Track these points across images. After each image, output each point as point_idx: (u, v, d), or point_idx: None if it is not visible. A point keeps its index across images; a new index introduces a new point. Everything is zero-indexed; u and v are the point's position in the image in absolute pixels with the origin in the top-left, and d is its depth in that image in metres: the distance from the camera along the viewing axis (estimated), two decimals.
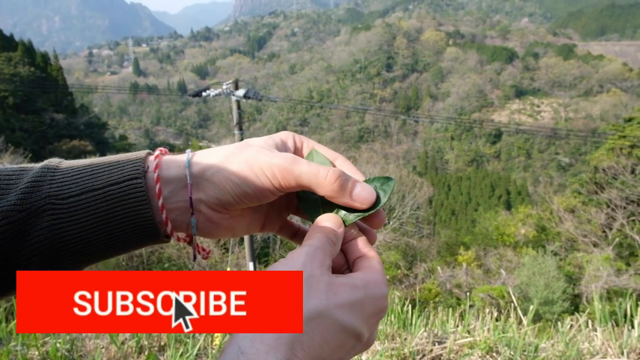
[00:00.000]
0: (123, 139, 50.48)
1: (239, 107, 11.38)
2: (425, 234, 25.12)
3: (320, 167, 0.50)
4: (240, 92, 11.12)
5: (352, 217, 0.54)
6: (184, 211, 0.52)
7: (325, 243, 0.49)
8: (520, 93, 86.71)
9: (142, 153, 0.54)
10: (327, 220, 0.52)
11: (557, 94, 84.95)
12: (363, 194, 0.52)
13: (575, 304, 13.56)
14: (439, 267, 15.32)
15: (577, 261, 15.19)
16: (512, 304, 2.39)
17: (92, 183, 0.50)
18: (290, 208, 0.60)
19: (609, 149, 19.46)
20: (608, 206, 17.01)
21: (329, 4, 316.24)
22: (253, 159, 0.51)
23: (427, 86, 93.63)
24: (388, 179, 0.56)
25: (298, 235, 0.61)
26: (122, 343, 2.00)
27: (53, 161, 0.52)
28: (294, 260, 0.46)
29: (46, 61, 46.44)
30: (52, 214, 0.48)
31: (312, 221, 0.54)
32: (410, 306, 2.27)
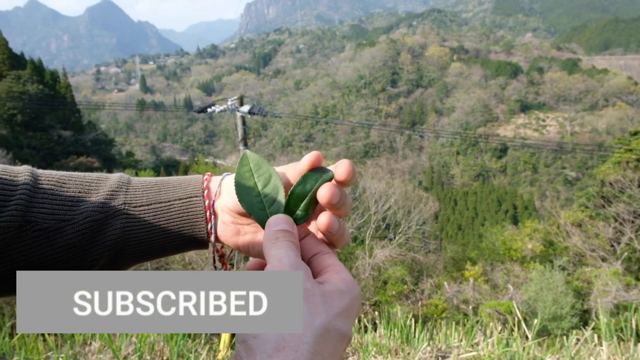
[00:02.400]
0: (130, 156, 50.77)
1: (244, 123, 11.44)
2: (431, 249, 24.98)
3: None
4: (245, 108, 11.20)
5: (302, 215, 0.54)
6: (220, 228, 0.62)
7: (293, 248, 0.51)
8: (525, 107, 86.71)
9: (198, 177, 0.64)
10: (281, 223, 0.53)
11: (562, 108, 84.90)
12: (307, 157, 0.56)
13: (584, 320, 13.38)
14: (445, 283, 15.21)
15: (585, 276, 15.03)
16: (517, 318, 2.37)
17: (159, 197, 0.60)
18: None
19: (616, 162, 19.37)
20: (616, 220, 16.87)
21: (333, 21, 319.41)
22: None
23: (432, 101, 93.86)
24: (325, 169, 0.55)
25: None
26: (125, 358, 2.00)
27: (124, 176, 0.63)
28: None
29: (55, 79, 47.00)
30: (125, 218, 0.58)
31: (256, 220, 0.55)
32: (413, 320, 2.26)
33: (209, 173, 0.64)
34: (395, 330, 2.25)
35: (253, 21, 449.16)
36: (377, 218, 19.93)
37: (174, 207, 0.60)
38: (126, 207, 0.59)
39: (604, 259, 15.95)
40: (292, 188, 0.54)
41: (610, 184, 17.97)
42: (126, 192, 0.60)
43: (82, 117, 46.56)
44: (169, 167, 43.08)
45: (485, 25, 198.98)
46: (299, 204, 0.54)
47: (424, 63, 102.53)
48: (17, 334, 2.16)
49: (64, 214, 0.56)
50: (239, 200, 0.55)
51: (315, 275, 0.51)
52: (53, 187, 0.57)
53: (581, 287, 14.68)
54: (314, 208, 0.55)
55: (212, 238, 0.62)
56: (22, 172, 0.57)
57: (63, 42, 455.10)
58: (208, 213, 0.61)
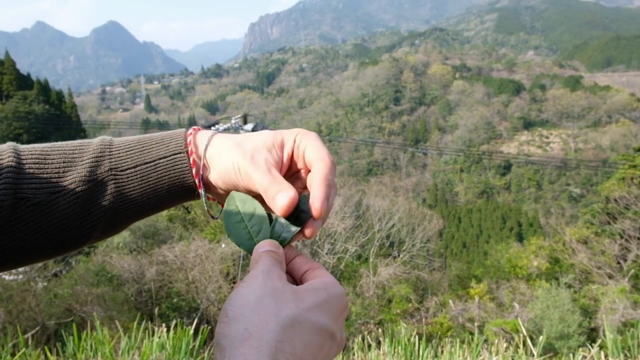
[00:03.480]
0: None
1: None
2: (436, 267, 24.83)
3: (267, 182, 0.57)
4: (249, 126, 11.27)
5: (287, 235, 0.57)
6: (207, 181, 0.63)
7: (274, 262, 0.53)
8: (528, 124, 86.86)
9: (180, 131, 0.64)
10: (266, 245, 0.55)
11: (565, 125, 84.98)
12: (278, 199, 0.56)
13: (592, 338, 13.21)
14: (450, 301, 15.07)
15: (592, 294, 14.88)
16: (522, 335, 2.35)
17: (143, 157, 0.61)
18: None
19: (620, 178, 19.31)
20: (622, 237, 16.75)
21: (336, 40, 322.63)
22: (239, 157, 0.59)
23: (435, 119, 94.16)
24: (307, 197, 0.58)
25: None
26: None
27: (106, 138, 0.63)
28: (253, 279, 0.50)
29: (61, 99, 47.50)
30: (114, 183, 0.59)
31: (246, 250, 0.58)
32: (417, 338, 2.24)
33: (194, 127, 0.65)
34: (399, 347, 2.23)
35: (257, 41, 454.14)
36: (381, 236, 19.87)
37: (160, 166, 0.61)
38: (113, 173, 0.59)
39: (610, 276, 15.79)
40: (274, 215, 0.58)
41: (615, 200, 17.88)
42: (110, 156, 0.60)
43: (87, 136, 46.86)
44: None
45: (487, 43, 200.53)
46: (283, 227, 0.58)
47: (426, 81, 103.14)
48: (19, 352, 2.15)
49: (53, 187, 0.57)
50: (229, 235, 0.59)
51: None
52: (37, 160, 0.58)
53: (588, 305, 14.52)
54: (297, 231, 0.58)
55: (200, 192, 0.62)
56: (5, 149, 0.58)
57: (69, 62, 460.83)
58: (194, 170, 0.61)
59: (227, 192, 0.62)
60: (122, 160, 0.60)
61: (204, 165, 0.61)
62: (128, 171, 0.60)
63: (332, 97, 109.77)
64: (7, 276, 10.74)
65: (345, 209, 18.45)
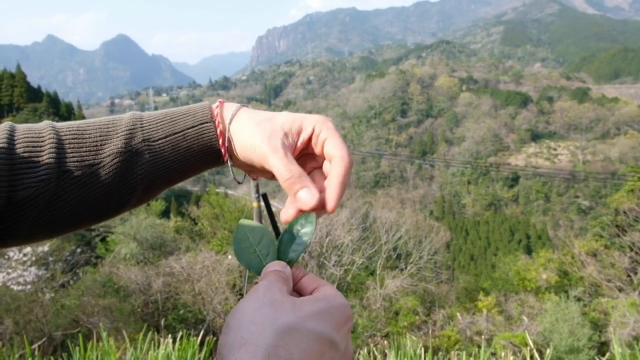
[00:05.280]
0: None
1: None
2: (443, 280, 24.65)
3: (285, 169, 0.60)
4: None
5: (294, 255, 0.60)
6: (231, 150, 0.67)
7: (278, 278, 0.55)
8: (536, 136, 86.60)
9: (205, 104, 0.69)
10: (273, 266, 0.58)
11: (573, 137, 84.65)
12: (304, 197, 0.60)
13: (602, 352, 13.03)
14: (458, 314, 14.95)
15: (602, 307, 14.70)
16: (529, 347, 2.33)
17: (173, 128, 0.65)
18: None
19: (629, 190, 19.16)
20: (631, 249, 16.58)
21: (343, 53, 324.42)
22: (257, 137, 0.63)
23: (442, 131, 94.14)
24: (308, 214, 0.61)
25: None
26: None
27: (136, 113, 0.67)
28: (253, 293, 0.51)
29: (70, 111, 47.99)
30: (148, 152, 0.64)
31: (256, 272, 0.60)
32: (423, 350, 2.23)
33: (220, 100, 0.70)
34: (405, 359, 2.22)
35: (264, 53, 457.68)
36: (388, 248, 19.78)
37: (188, 136, 0.65)
38: (146, 143, 0.64)
39: (620, 290, 15.61)
40: (280, 236, 0.62)
41: (625, 212, 17.74)
42: (142, 128, 0.64)
43: None
44: (181, 197, 43.30)
45: (494, 55, 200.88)
46: (289, 248, 0.60)
47: (433, 93, 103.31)
48: None
49: (93, 159, 0.61)
50: (239, 260, 0.62)
51: None
52: (75, 136, 0.62)
53: (598, 319, 14.34)
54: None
55: (227, 162, 0.66)
56: (44, 128, 0.62)
57: (79, 75, 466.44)
58: (221, 140, 0.65)
59: (247, 164, 0.66)
60: (153, 131, 0.65)
61: (228, 138, 0.65)
62: (160, 141, 0.64)
63: (339, 110, 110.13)
64: (15, 287, 10.80)
65: (352, 221, 18.40)
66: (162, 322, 10.04)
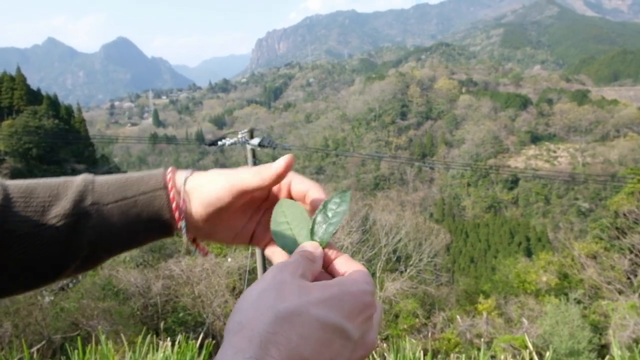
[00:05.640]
0: None
1: (254, 156, 11.54)
2: (443, 282, 24.66)
3: (264, 166, 0.61)
4: (255, 140, 11.31)
5: (326, 236, 0.59)
6: (187, 217, 0.64)
7: (300, 259, 0.53)
8: (535, 139, 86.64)
9: (160, 170, 0.67)
10: (304, 246, 0.57)
11: (573, 139, 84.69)
12: (278, 164, 0.60)
13: (602, 355, 13.01)
14: (458, 316, 14.93)
15: (602, 309, 14.69)
16: (528, 350, 2.33)
17: (124, 193, 0.63)
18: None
19: (629, 193, 19.16)
20: (631, 252, 16.58)
21: (343, 55, 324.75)
22: (227, 175, 0.63)
23: (442, 133, 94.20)
24: (344, 192, 0.61)
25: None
26: None
27: (90, 176, 0.65)
28: (265, 274, 0.51)
29: (70, 114, 47.99)
30: (96, 216, 0.62)
31: (290, 252, 0.59)
32: (422, 353, 2.23)
33: (172, 167, 0.68)
34: None
35: (264, 56, 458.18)
36: (388, 250, 19.78)
37: (139, 202, 0.63)
38: (95, 207, 0.62)
39: (620, 292, 15.60)
40: (313, 216, 0.60)
41: (624, 214, 17.74)
42: (93, 191, 0.62)
43: (95, 150, 47.35)
44: None
45: (494, 58, 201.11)
46: (321, 228, 0.59)
47: (433, 95, 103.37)
48: None
49: (38, 220, 0.60)
50: (274, 239, 0.62)
51: None
52: (24, 195, 0.61)
53: (598, 321, 14.34)
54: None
55: (181, 224, 0.64)
56: None
57: (79, 78, 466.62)
58: (174, 204, 0.63)
59: (209, 224, 0.64)
60: (104, 195, 0.63)
61: (184, 199, 0.63)
62: (109, 205, 0.62)
63: (339, 112, 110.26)
64: None
65: (352, 224, 18.40)
66: (162, 325, 10.03)
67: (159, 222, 0.64)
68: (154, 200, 0.63)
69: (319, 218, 0.60)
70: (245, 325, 0.44)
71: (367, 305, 0.49)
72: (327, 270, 0.57)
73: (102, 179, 0.66)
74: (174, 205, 0.63)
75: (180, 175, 0.65)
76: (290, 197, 0.65)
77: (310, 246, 0.56)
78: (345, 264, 0.56)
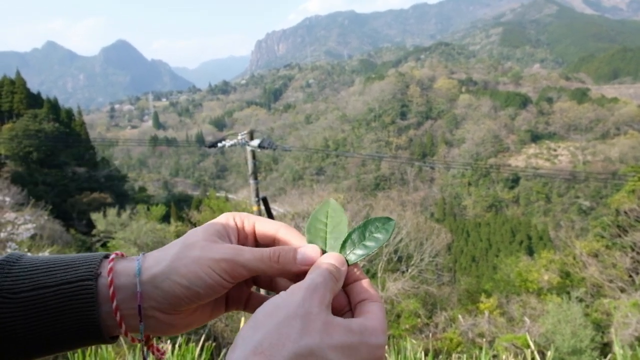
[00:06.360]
0: (142, 191, 51.25)
1: (254, 157, 11.53)
2: (445, 282, 24.60)
3: (262, 251, 0.54)
4: (255, 142, 11.30)
5: (354, 257, 0.56)
6: (136, 316, 0.52)
7: (327, 278, 0.51)
8: (535, 137, 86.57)
9: (98, 255, 0.54)
10: (330, 258, 0.54)
11: (573, 138, 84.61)
12: (307, 256, 0.54)
13: (605, 353, 12.98)
14: (460, 316, 14.92)
15: (604, 308, 14.67)
16: (530, 350, 2.32)
17: (45, 280, 0.50)
18: (249, 282, 0.62)
19: (630, 191, 19.15)
20: (633, 250, 16.56)
21: (342, 56, 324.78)
22: (200, 259, 0.52)
23: (442, 133, 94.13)
24: (388, 219, 0.58)
25: None
26: None
27: (14, 254, 0.53)
28: (293, 294, 0.48)
29: (70, 117, 47.99)
30: (2, 308, 0.48)
31: None
32: (423, 354, 2.22)
33: (118, 252, 0.56)
34: None
35: (264, 57, 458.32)
36: (389, 250, 19.76)
37: (61, 293, 0.50)
38: (4, 294, 0.49)
39: (622, 290, 15.58)
40: (349, 231, 0.58)
41: (626, 212, 17.72)
42: (7, 274, 0.50)
43: (96, 153, 47.30)
44: (181, 202, 43.29)
45: (493, 57, 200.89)
46: (352, 247, 0.57)
47: (432, 95, 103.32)
48: None
49: None
50: (307, 234, 0.58)
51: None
52: None
53: (600, 320, 14.31)
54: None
55: (140, 328, 0.53)
56: None
57: (79, 81, 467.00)
58: (114, 304, 0.52)
59: (169, 317, 0.54)
60: (19, 281, 0.50)
61: (141, 293, 0.52)
62: (22, 295, 0.49)
63: (339, 113, 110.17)
64: None
65: (352, 224, 18.35)
66: None
67: (86, 322, 0.51)
68: (80, 293, 0.51)
69: (355, 236, 0.58)
70: (264, 350, 0.43)
71: (378, 358, 0.49)
72: (345, 290, 0.55)
73: (30, 259, 0.53)
74: (114, 304, 0.51)
75: (129, 264, 0.54)
76: (255, 240, 0.59)
77: (338, 261, 0.54)
78: (364, 291, 0.54)
